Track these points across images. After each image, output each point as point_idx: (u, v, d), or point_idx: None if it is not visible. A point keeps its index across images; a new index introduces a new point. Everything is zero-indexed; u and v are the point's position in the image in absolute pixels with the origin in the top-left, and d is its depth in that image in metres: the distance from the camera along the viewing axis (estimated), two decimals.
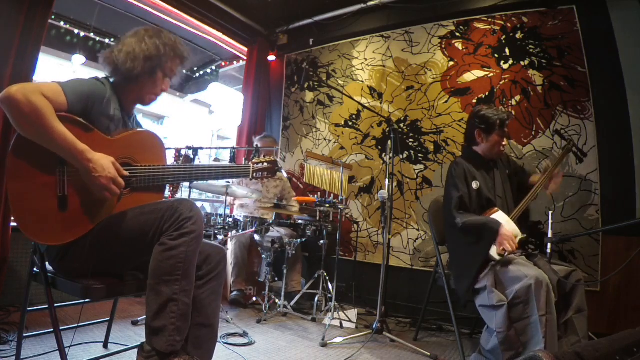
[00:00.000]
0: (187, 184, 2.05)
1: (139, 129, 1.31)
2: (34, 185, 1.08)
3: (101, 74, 1.35)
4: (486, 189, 1.91)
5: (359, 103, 2.96)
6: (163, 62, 1.32)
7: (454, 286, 1.93)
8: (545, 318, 1.47)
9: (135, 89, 1.34)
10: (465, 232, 1.81)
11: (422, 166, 3.08)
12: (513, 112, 2.70)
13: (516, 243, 1.69)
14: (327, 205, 2.63)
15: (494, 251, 1.70)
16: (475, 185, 1.91)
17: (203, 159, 2.53)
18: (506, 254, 1.67)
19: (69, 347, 1.43)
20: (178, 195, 2.34)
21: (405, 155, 3.16)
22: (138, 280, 1.29)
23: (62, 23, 4.40)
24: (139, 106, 1.41)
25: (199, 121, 8.55)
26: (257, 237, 2.70)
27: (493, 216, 1.80)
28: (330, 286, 2.66)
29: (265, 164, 1.54)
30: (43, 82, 1.10)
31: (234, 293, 2.73)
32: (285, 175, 2.60)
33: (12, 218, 1.12)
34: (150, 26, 1.39)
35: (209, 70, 5.53)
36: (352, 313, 2.57)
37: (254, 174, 1.52)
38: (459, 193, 1.88)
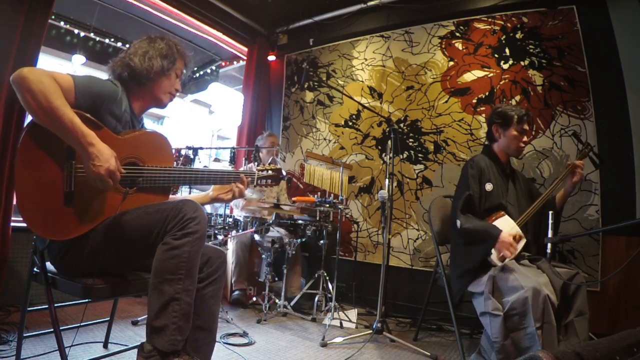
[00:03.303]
0: None
1: (148, 130, 1.32)
2: (41, 178, 1.08)
3: (105, 76, 1.37)
4: (498, 194, 1.88)
5: (359, 103, 2.96)
6: (176, 59, 1.39)
7: (451, 284, 1.93)
8: (541, 330, 1.46)
9: (150, 91, 1.36)
10: (463, 235, 1.80)
11: (422, 166, 3.08)
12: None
13: (517, 248, 1.68)
14: (327, 205, 2.63)
15: (494, 257, 1.70)
16: (488, 187, 1.87)
17: (203, 159, 2.53)
18: (507, 260, 1.66)
19: (69, 347, 1.42)
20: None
21: (405, 155, 3.16)
22: (138, 280, 1.29)
23: (62, 23, 4.39)
24: (155, 110, 1.43)
25: (199, 121, 8.56)
26: (257, 237, 2.70)
27: (499, 220, 1.79)
28: (330, 286, 2.66)
29: (270, 172, 1.53)
30: (57, 71, 1.11)
31: (236, 292, 2.73)
32: (285, 175, 2.60)
33: (19, 214, 1.11)
34: (153, 32, 1.44)
35: (209, 70, 5.53)
36: (352, 313, 2.57)
37: (258, 181, 1.51)
38: (468, 192, 1.85)
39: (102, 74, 1.37)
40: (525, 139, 1.94)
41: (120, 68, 1.32)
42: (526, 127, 1.92)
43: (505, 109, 1.96)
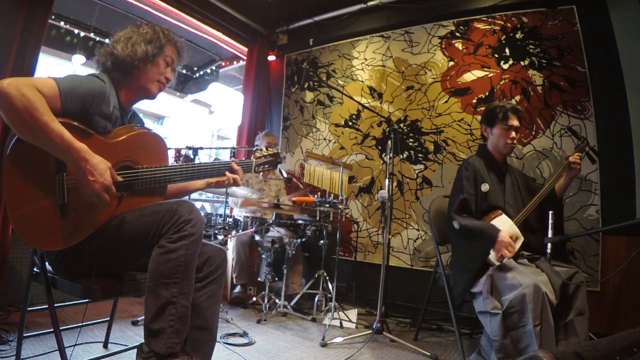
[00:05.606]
0: None
1: (139, 129, 1.26)
2: (33, 194, 1.04)
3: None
4: (495, 194, 1.87)
5: (359, 103, 2.96)
6: (163, 44, 1.31)
7: (452, 286, 1.92)
8: (539, 327, 1.46)
9: (136, 80, 1.29)
10: (462, 235, 1.79)
11: (422, 166, 3.08)
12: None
13: (515, 248, 1.68)
14: (327, 205, 2.63)
15: (493, 257, 1.69)
16: (484, 188, 1.86)
17: (203, 159, 2.53)
18: (505, 259, 1.66)
19: (69, 347, 1.42)
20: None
21: (405, 155, 3.16)
22: (138, 280, 1.29)
23: (62, 23, 4.40)
24: (146, 101, 1.38)
25: (199, 121, 8.56)
26: (257, 237, 2.70)
27: (496, 220, 1.79)
28: (330, 286, 2.66)
29: (269, 157, 1.52)
30: (38, 77, 1.05)
31: (237, 289, 2.73)
32: (284, 175, 2.59)
33: (15, 232, 1.08)
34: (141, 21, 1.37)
35: (209, 70, 5.54)
36: (352, 313, 2.57)
37: (257, 168, 1.51)
38: (463, 195, 1.84)
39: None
40: (513, 134, 1.90)
41: (104, 57, 1.26)
42: (514, 122, 1.89)
43: (492, 106, 1.94)
